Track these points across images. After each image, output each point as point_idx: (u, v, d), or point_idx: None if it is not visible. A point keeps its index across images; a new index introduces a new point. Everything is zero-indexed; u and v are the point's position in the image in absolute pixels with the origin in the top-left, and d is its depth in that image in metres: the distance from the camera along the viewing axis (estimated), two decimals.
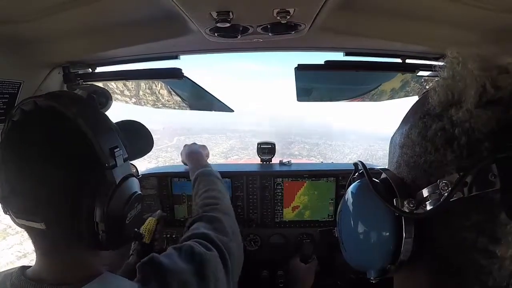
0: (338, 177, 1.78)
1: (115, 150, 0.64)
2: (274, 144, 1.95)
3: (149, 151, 0.98)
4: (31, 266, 0.66)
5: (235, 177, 1.79)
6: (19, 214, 0.61)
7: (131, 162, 0.78)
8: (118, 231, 0.66)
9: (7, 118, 0.65)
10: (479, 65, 0.40)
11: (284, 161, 1.95)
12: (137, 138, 0.93)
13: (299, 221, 1.83)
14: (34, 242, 0.65)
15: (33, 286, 0.61)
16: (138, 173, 1.62)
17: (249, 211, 1.82)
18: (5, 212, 0.65)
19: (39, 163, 0.59)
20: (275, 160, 1.96)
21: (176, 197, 1.82)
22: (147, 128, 0.98)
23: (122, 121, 0.92)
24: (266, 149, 1.93)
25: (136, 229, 0.75)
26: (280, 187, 1.80)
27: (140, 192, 0.72)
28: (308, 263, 1.45)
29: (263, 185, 1.80)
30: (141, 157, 0.97)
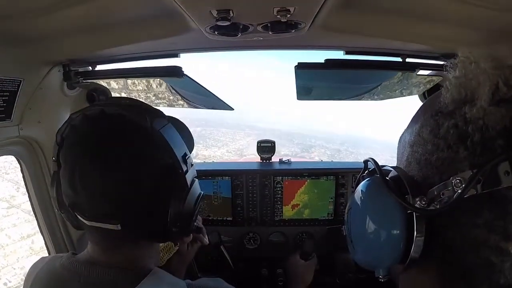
0: (337, 175, 1.78)
1: (186, 157, 0.71)
2: (274, 142, 1.96)
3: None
4: (77, 254, 0.72)
5: (235, 176, 1.79)
6: (93, 217, 0.64)
7: None
8: (186, 227, 0.74)
9: (67, 123, 0.68)
10: (491, 64, 0.41)
11: (284, 159, 1.95)
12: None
13: (298, 220, 1.84)
14: (93, 238, 0.69)
15: (84, 267, 0.66)
16: None
17: (249, 209, 1.82)
18: (60, 209, 0.71)
19: (123, 170, 0.62)
20: (275, 158, 1.97)
21: None
22: (187, 128, 0.98)
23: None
24: (266, 148, 1.93)
25: (195, 224, 0.82)
26: (280, 186, 1.80)
27: (202, 192, 0.79)
28: (308, 260, 1.45)
29: (263, 183, 1.80)
30: None
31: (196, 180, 0.76)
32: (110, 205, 0.63)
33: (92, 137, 0.64)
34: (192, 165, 0.74)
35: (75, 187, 0.62)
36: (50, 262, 0.71)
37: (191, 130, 0.95)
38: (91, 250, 0.70)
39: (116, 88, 1.55)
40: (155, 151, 0.66)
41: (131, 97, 1.62)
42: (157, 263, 0.79)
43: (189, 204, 0.72)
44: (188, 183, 0.71)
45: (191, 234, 1.17)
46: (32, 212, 1.40)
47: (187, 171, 0.70)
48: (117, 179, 0.62)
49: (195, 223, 0.80)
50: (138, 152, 0.64)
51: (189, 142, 0.95)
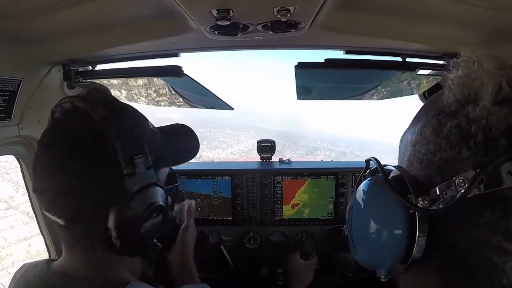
0: (337, 175, 1.78)
1: (135, 158, 0.62)
2: (274, 142, 1.96)
3: (195, 154, 0.93)
4: (56, 260, 0.69)
5: (234, 175, 1.79)
6: (46, 207, 0.64)
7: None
8: (131, 239, 0.64)
9: (51, 115, 0.69)
10: (495, 64, 0.41)
11: (284, 159, 1.95)
12: (180, 141, 0.90)
13: (298, 219, 1.83)
14: (59, 236, 0.68)
15: (58, 278, 0.64)
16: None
17: (249, 209, 1.82)
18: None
19: (62, 162, 0.62)
20: (275, 158, 1.97)
21: None
22: (192, 130, 0.93)
23: (167, 125, 0.89)
24: (266, 147, 1.94)
25: (155, 240, 0.73)
26: (280, 185, 1.80)
27: (161, 203, 0.69)
28: (308, 260, 1.45)
29: (262, 183, 1.80)
30: (187, 160, 0.93)
31: (155, 188, 0.67)
32: (55, 197, 0.62)
33: (49, 129, 0.67)
34: (148, 168, 0.65)
35: (36, 177, 0.65)
36: (28, 271, 0.68)
37: (194, 131, 0.92)
38: (64, 254, 0.68)
39: (116, 84, 1.55)
40: (93, 145, 0.62)
41: (132, 93, 1.62)
42: (138, 274, 0.74)
43: (133, 213, 0.63)
44: (133, 188, 0.63)
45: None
46: (30, 214, 1.40)
47: (132, 173, 0.62)
48: (58, 172, 0.62)
49: (154, 240, 0.72)
50: (76, 145, 0.62)
51: (184, 150, 0.90)
